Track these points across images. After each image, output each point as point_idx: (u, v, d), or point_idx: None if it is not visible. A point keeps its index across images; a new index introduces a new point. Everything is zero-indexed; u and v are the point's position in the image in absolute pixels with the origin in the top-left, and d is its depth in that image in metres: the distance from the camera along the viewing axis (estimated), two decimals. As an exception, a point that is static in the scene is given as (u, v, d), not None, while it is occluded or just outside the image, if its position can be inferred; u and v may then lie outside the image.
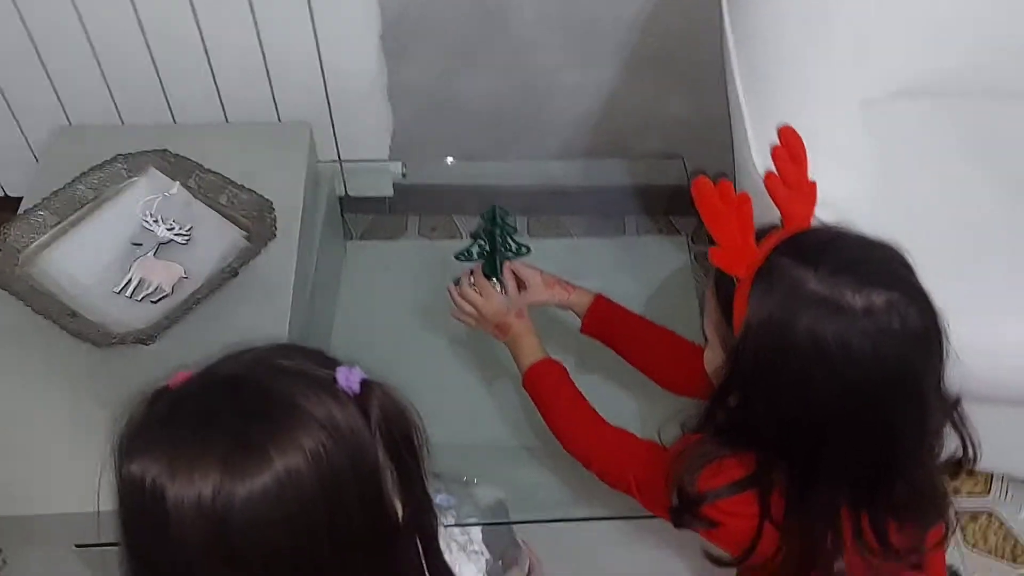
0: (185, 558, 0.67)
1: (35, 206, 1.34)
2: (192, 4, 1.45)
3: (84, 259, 1.29)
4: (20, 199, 1.44)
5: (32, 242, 1.31)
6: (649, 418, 1.41)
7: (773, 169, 0.98)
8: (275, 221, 1.29)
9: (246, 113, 1.64)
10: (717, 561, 1.04)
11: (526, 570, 1.32)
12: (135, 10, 1.46)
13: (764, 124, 1.15)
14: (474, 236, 1.36)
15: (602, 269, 1.82)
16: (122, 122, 1.64)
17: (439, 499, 1.34)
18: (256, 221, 1.31)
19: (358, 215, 1.96)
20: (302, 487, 0.66)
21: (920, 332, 0.85)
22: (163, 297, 1.25)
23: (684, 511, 0.99)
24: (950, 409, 0.96)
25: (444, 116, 1.82)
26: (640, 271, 1.78)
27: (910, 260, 0.89)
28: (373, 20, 1.56)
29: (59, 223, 1.32)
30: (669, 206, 1.92)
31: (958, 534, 1.53)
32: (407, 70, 1.72)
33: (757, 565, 0.99)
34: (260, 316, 1.29)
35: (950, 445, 0.98)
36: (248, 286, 1.31)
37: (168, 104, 1.63)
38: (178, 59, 1.56)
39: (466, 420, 1.55)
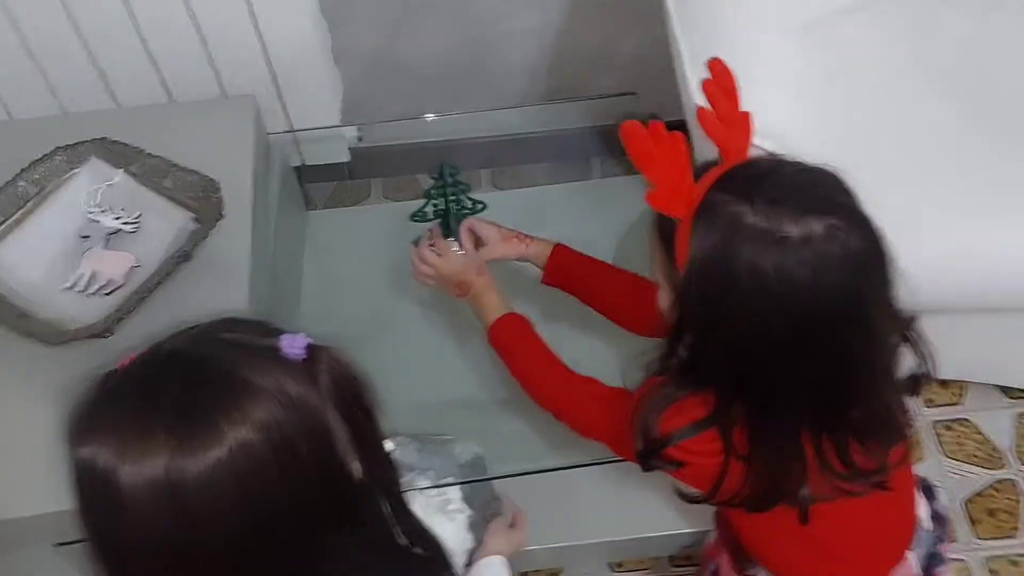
0: (144, 533, 0.67)
1: (-24, 207, 1.32)
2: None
3: (32, 257, 1.27)
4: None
5: (-23, 244, 1.29)
6: (617, 363, 1.42)
7: (706, 104, 0.97)
8: (222, 200, 1.27)
9: (190, 91, 1.62)
10: (688, 499, 1.05)
11: (508, 520, 1.34)
12: (61, -3, 1.43)
13: (701, 56, 1.13)
14: (427, 196, 1.35)
15: (571, 215, 1.80)
16: (63, 112, 1.62)
17: (418, 461, 1.36)
18: (203, 202, 1.29)
19: (319, 184, 1.94)
20: (255, 457, 0.67)
21: (862, 256, 0.84)
22: (116, 288, 1.24)
23: (650, 454, 1.00)
24: (905, 328, 0.96)
25: (394, 75, 1.79)
26: (609, 213, 1.77)
27: (850, 184, 0.88)
28: (306, -17, 1.54)
29: (3, 222, 1.31)
30: (627, 146, 1.90)
31: (935, 443, 1.54)
32: (350, 32, 1.69)
33: (726, 499, 0.99)
34: (219, 297, 1.27)
35: (909, 362, 0.98)
36: (204, 268, 1.30)
37: (109, 89, 1.60)
38: (113, 42, 1.54)
39: (440, 379, 1.56)
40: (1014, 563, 1.44)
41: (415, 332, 1.63)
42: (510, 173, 1.97)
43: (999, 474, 1.52)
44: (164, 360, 0.72)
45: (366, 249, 1.76)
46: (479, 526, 1.28)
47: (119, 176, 1.32)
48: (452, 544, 1.19)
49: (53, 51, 1.54)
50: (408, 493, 1.23)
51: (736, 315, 0.87)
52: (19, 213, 1.31)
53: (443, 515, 1.21)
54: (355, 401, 0.76)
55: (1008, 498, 1.49)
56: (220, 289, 1.28)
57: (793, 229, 0.83)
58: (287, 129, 1.74)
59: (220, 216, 1.25)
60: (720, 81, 0.98)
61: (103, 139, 1.35)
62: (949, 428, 1.57)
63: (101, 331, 1.16)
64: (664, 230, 0.94)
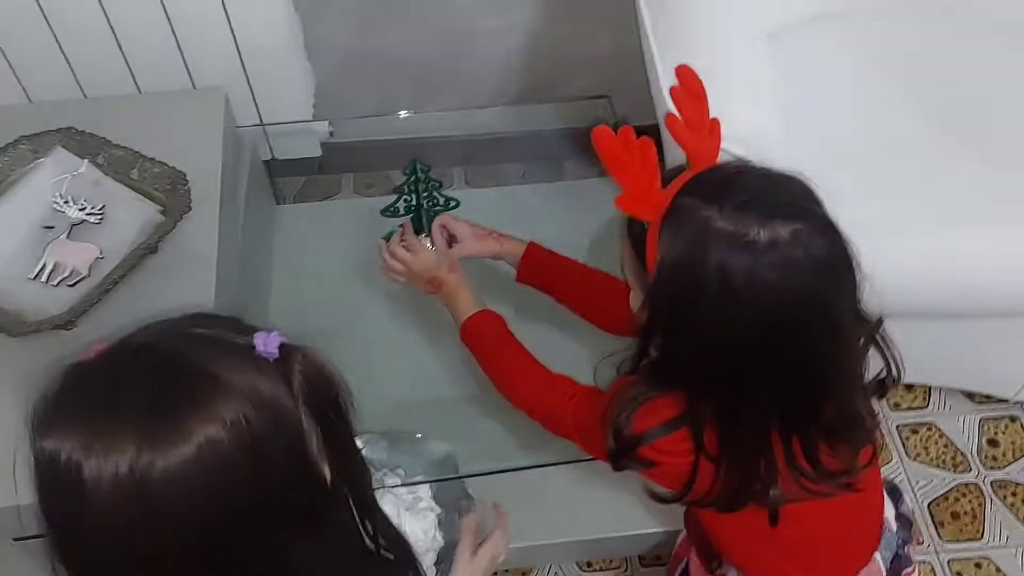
0: (108, 531, 0.66)
1: (-62, 197, 1.29)
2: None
3: (-6, 246, 1.25)
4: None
5: (-62, 234, 1.26)
6: (590, 362, 1.41)
7: (674, 110, 0.97)
8: (189, 192, 1.26)
9: (158, 82, 1.60)
10: (659, 498, 1.05)
11: (478, 518, 1.33)
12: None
13: (673, 62, 1.13)
14: (398, 192, 1.34)
15: (543, 215, 1.81)
16: (29, 100, 1.59)
17: (388, 459, 1.35)
18: (170, 194, 1.28)
19: (289, 178, 1.93)
20: (223, 456, 0.65)
21: (826, 260, 0.85)
22: (80, 280, 1.22)
23: (621, 454, 1.00)
24: (872, 331, 0.96)
25: (367, 71, 1.78)
26: (581, 215, 1.77)
27: (815, 190, 0.89)
28: (278, -24, 1.52)
29: (-34, 211, 1.28)
30: (599, 149, 1.90)
31: (900, 447, 1.56)
32: (323, 26, 1.68)
33: (697, 499, 1.00)
34: (185, 290, 1.26)
35: (876, 366, 0.99)
36: (171, 261, 1.28)
37: (76, 79, 1.58)
38: (81, 30, 1.51)
39: (409, 376, 1.55)
40: (978, 565, 1.46)
41: (384, 328, 1.62)
42: (483, 172, 1.97)
43: (963, 478, 1.53)
44: (134, 353, 0.70)
45: (336, 244, 1.75)
46: (449, 525, 1.27)
47: (84, 167, 1.30)
48: (421, 543, 1.18)
49: (19, 38, 1.51)
50: (378, 491, 1.22)
51: (704, 317, 0.88)
52: (-19, 202, 1.29)
53: (413, 513, 1.20)
54: (328, 402, 0.74)
55: (972, 502, 1.51)
56: (187, 282, 1.27)
57: (760, 233, 0.84)
58: (257, 122, 1.72)
59: (187, 209, 1.24)
60: (688, 87, 0.99)
61: (69, 129, 1.33)
62: (915, 432, 1.58)
63: (65, 322, 1.14)
64: (634, 233, 0.95)
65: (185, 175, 1.28)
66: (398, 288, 1.57)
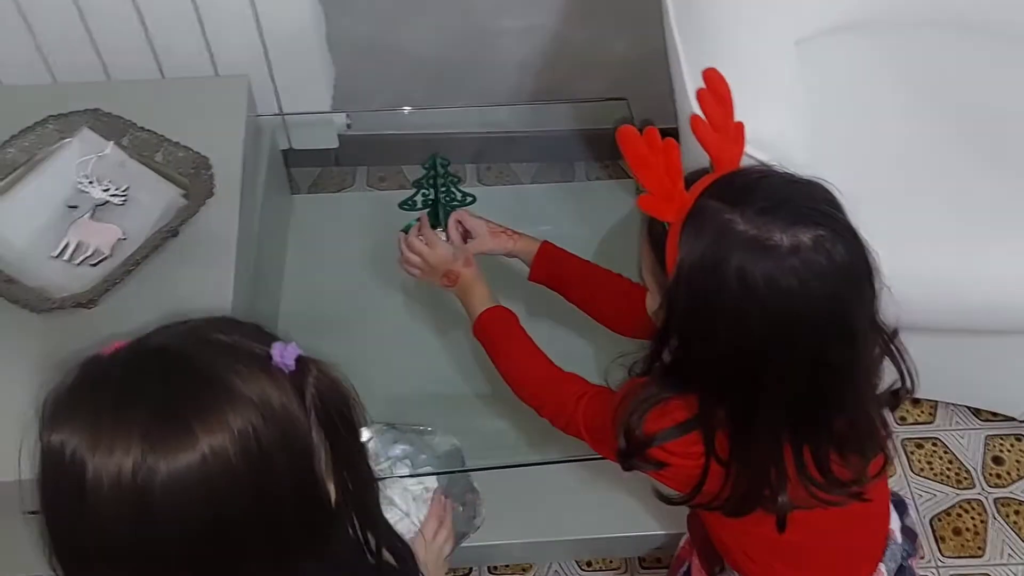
0: (104, 532, 0.65)
1: (-35, 172, 1.30)
2: (119, -43, 1.41)
3: (18, 224, 1.25)
4: (-51, 164, 1.40)
5: (-36, 209, 1.27)
6: (600, 362, 1.43)
7: (700, 112, 0.98)
8: (213, 178, 1.26)
9: (182, 68, 1.61)
10: (667, 500, 1.06)
11: (483, 513, 1.34)
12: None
13: (699, 65, 1.14)
14: (417, 185, 1.35)
15: (552, 215, 1.81)
16: (54, 80, 1.60)
17: (396, 451, 1.36)
18: (193, 178, 1.29)
19: (304, 168, 1.94)
20: (228, 465, 0.65)
21: (847, 267, 0.86)
22: (102, 260, 1.23)
23: (632, 454, 1.00)
24: (887, 341, 0.97)
25: (387, 64, 1.79)
26: (590, 216, 1.79)
27: (838, 196, 0.90)
28: (306, -33, 1.53)
29: (-10, 188, 1.29)
30: (616, 150, 1.90)
31: (904, 461, 1.57)
32: (346, 18, 1.69)
33: (705, 502, 1.00)
34: (204, 275, 1.27)
35: (889, 377, 0.99)
36: (190, 245, 1.29)
37: (102, 61, 1.59)
38: (109, 14, 1.52)
39: (419, 369, 1.56)
40: (977, 581, 1.47)
41: (395, 320, 1.63)
42: (495, 169, 1.97)
43: (967, 494, 1.54)
44: (151, 355, 0.69)
45: (350, 236, 1.76)
46: (455, 517, 1.28)
47: (110, 148, 1.31)
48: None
49: (46, 18, 1.52)
50: (389, 479, 1.23)
51: (723, 320, 0.88)
52: (7, 180, 1.30)
53: (420, 504, 1.21)
54: (340, 418, 0.73)
55: (974, 518, 1.52)
56: (205, 267, 1.28)
57: (782, 238, 0.84)
58: (277, 112, 1.73)
59: (211, 193, 1.24)
60: (715, 91, 1.00)
61: (96, 110, 1.34)
62: (920, 446, 1.59)
63: (87, 301, 1.15)
64: (654, 234, 0.95)
65: (209, 160, 1.29)
66: (410, 281, 1.58)
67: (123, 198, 1.28)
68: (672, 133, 0.98)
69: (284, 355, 0.70)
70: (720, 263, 0.86)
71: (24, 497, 0.86)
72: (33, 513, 0.68)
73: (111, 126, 1.33)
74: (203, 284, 1.26)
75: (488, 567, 1.48)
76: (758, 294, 0.85)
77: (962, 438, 1.60)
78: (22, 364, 1.16)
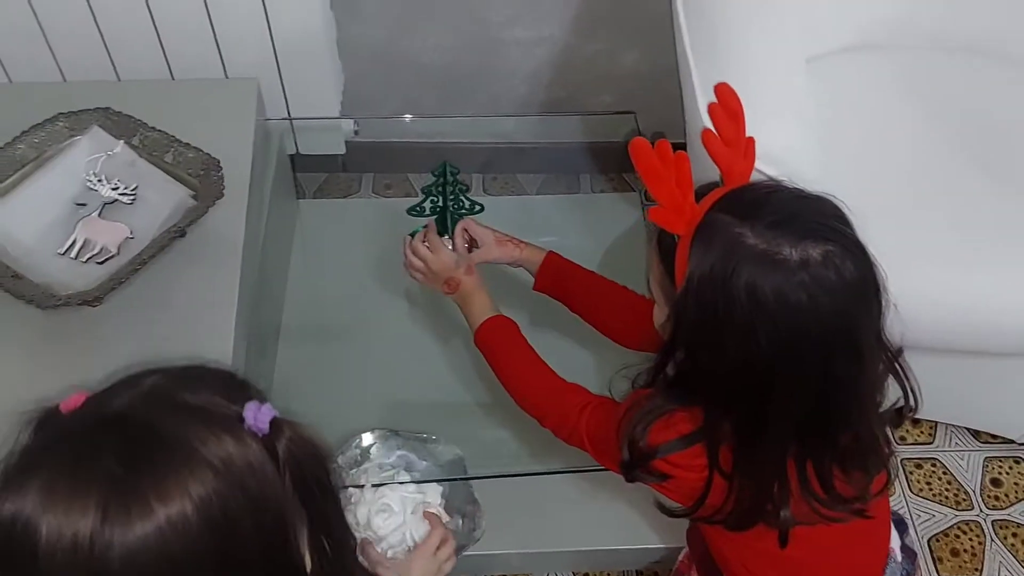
0: None
1: (-26, 166, 1.30)
2: (133, -42, 1.42)
3: (26, 220, 1.26)
4: (-42, 159, 1.41)
5: (-29, 203, 1.27)
6: (602, 373, 1.43)
7: (711, 127, 0.99)
8: (223, 179, 1.27)
9: (192, 70, 1.62)
10: (669, 512, 1.06)
11: (483, 526, 1.33)
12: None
13: (711, 80, 1.15)
14: (426, 192, 1.35)
15: (556, 226, 1.82)
16: (64, 79, 1.60)
17: (397, 457, 1.35)
18: (203, 179, 1.29)
19: (310, 173, 1.94)
20: (189, 537, 0.61)
21: (856, 283, 0.86)
22: (109, 258, 1.23)
23: (635, 465, 1.01)
24: (892, 359, 0.97)
25: (396, 72, 1.80)
26: (594, 228, 1.79)
27: (847, 213, 0.90)
28: (319, -27, 1.54)
29: (-1, 183, 1.29)
30: (622, 163, 1.92)
31: (903, 481, 1.57)
32: (357, 25, 1.69)
33: (707, 515, 1.00)
34: (210, 276, 1.27)
35: (893, 395, 1.00)
36: (197, 246, 1.29)
37: (112, 61, 1.59)
38: (121, 15, 1.53)
39: (421, 377, 1.55)
40: (974, 603, 1.46)
41: (398, 327, 1.63)
42: (501, 179, 1.98)
43: (965, 515, 1.54)
44: (110, 422, 0.65)
45: (354, 242, 1.76)
46: (455, 531, 1.27)
47: (120, 147, 1.31)
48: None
49: (58, 16, 1.52)
50: (388, 486, 1.23)
51: (730, 332, 0.88)
52: (16, 175, 1.30)
53: (418, 518, 1.19)
54: (316, 482, 0.70)
55: (972, 540, 1.51)
56: (212, 269, 1.28)
57: (791, 252, 0.85)
58: (285, 116, 1.73)
59: (221, 194, 1.25)
60: (727, 105, 1.00)
61: (107, 109, 1.34)
62: (919, 466, 1.59)
63: (92, 299, 1.15)
64: (664, 246, 0.95)
65: (219, 162, 1.29)
66: (413, 288, 1.59)
67: (132, 197, 1.28)
68: (680, 147, 0.98)
69: (258, 418, 0.67)
70: (729, 276, 0.86)
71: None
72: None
73: (122, 125, 1.34)
74: (209, 285, 1.26)
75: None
76: (767, 308, 0.85)
77: (961, 459, 1.60)
78: (27, 359, 1.15)
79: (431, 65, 1.78)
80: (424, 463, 1.33)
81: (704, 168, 0.98)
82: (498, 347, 1.26)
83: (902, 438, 1.61)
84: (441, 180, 1.34)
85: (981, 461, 1.60)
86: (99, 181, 1.28)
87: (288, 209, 1.78)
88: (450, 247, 1.35)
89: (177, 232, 1.22)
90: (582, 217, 1.86)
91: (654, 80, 1.73)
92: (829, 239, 0.86)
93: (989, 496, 1.56)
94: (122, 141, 1.31)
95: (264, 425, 0.67)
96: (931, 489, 1.56)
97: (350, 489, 1.17)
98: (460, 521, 1.33)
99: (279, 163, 1.65)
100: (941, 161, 1.35)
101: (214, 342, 1.21)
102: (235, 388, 0.70)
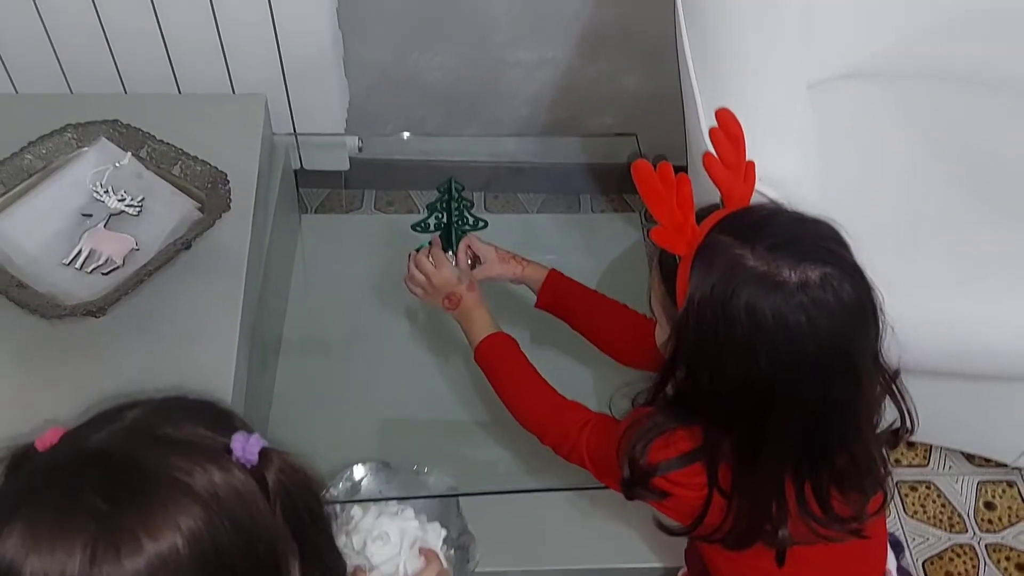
0: None
1: (-20, 176, 1.30)
2: (144, -27, 1.43)
3: (32, 230, 1.26)
4: (-35, 169, 1.41)
5: (-23, 212, 1.28)
6: (603, 391, 1.43)
7: (712, 150, 1.00)
8: (230, 192, 1.27)
9: (199, 84, 1.63)
10: (668, 530, 1.06)
11: (477, 557, 1.32)
12: (85, -23, 1.44)
13: (714, 106, 1.17)
14: (430, 208, 1.36)
15: (557, 245, 1.83)
16: (71, 92, 1.61)
17: (385, 488, 1.33)
18: (210, 192, 1.30)
19: (313, 189, 1.96)
20: (180, 571, 0.60)
21: (854, 306, 0.88)
22: (114, 269, 1.23)
23: (635, 483, 1.01)
24: (889, 382, 0.98)
25: (401, 91, 1.81)
26: (594, 247, 1.80)
27: (845, 236, 0.92)
28: (329, -8, 1.56)
29: (5, 193, 1.29)
30: (623, 184, 1.94)
31: (898, 504, 1.57)
32: (364, 44, 1.71)
33: (706, 534, 1.01)
34: (213, 289, 1.28)
35: (889, 417, 1.01)
36: (201, 259, 1.30)
37: (119, 74, 1.60)
38: (129, 29, 1.54)
39: (419, 394, 1.56)
40: (968, 627, 1.47)
41: (398, 344, 1.63)
42: (502, 198, 1.99)
43: (959, 539, 1.55)
44: (91, 459, 0.64)
45: (356, 258, 1.77)
46: (450, 565, 1.26)
47: (127, 159, 1.32)
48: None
49: (67, 29, 1.54)
50: (388, 515, 1.21)
51: (730, 353, 0.90)
52: (22, 185, 1.30)
53: (414, 554, 1.18)
54: (308, 512, 0.69)
55: (966, 563, 1.52)
56: (215, 282, 1.28)
57: (790, 275, 0.86)
58: (290, 131, 1.75)
59: (227, 207, 1.25)
60: (728, 130, 1.02)
61: (115, 121, 1.35)
62: (913, 489, 1.60)
63: (96, 310, 1.16)
64: (665, 267, 0.97)
65: (226, 175, 1.30)
66: (414, 305, 1.59)
67: (138, 208, 1.29)
68: (681, 169, 1.00)
69: (246, 449, 0.66)
70: (729, 297, 0.88)
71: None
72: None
73: (129, 137, 1.34)
74: (213, 298, 1.26)
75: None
76: (766, 329, 0.87)
77: (955, 483, 1.61)
78: (30, 369, 1.16)
79: (435, 85, 1.80)
80: (415, 495, 1.32)
81: (705, 191, 0.99)
82: (498, 364, 1.27)
83: (897, 461, 1.62)
84: (446, 196, 1.35)
85: (975, 484, 1.61)
86: (105, 192, 1.29)
87: (291, 224, 1.79)
88: (454, 263, 1.36)
89: (183, 244, 1.23)
90: (582, 236, 1.88)
91: (655, 102, 1.74)
92: (828, 262, 0.88)
93: (983, 519, 1.57)
94: (129, 153, 1.32)
95: (253, 456, 0.66)
96: (925, 512, 1.57)
97: (350, 512, 1.17)
98: (454, 554, 1.32)
99: (284, 178, 1.66)
100: (939, 188, 1.37)
101: (217, 355, 1.21)
102: (219, 419, 0.70)
